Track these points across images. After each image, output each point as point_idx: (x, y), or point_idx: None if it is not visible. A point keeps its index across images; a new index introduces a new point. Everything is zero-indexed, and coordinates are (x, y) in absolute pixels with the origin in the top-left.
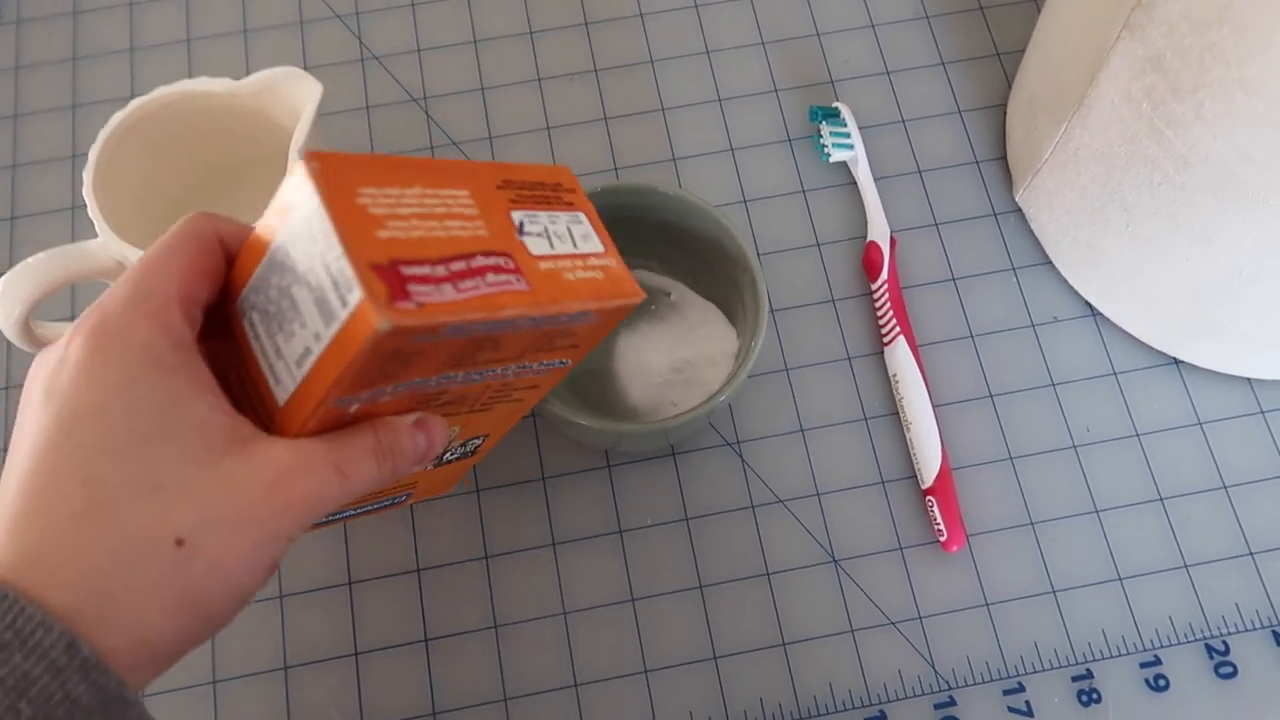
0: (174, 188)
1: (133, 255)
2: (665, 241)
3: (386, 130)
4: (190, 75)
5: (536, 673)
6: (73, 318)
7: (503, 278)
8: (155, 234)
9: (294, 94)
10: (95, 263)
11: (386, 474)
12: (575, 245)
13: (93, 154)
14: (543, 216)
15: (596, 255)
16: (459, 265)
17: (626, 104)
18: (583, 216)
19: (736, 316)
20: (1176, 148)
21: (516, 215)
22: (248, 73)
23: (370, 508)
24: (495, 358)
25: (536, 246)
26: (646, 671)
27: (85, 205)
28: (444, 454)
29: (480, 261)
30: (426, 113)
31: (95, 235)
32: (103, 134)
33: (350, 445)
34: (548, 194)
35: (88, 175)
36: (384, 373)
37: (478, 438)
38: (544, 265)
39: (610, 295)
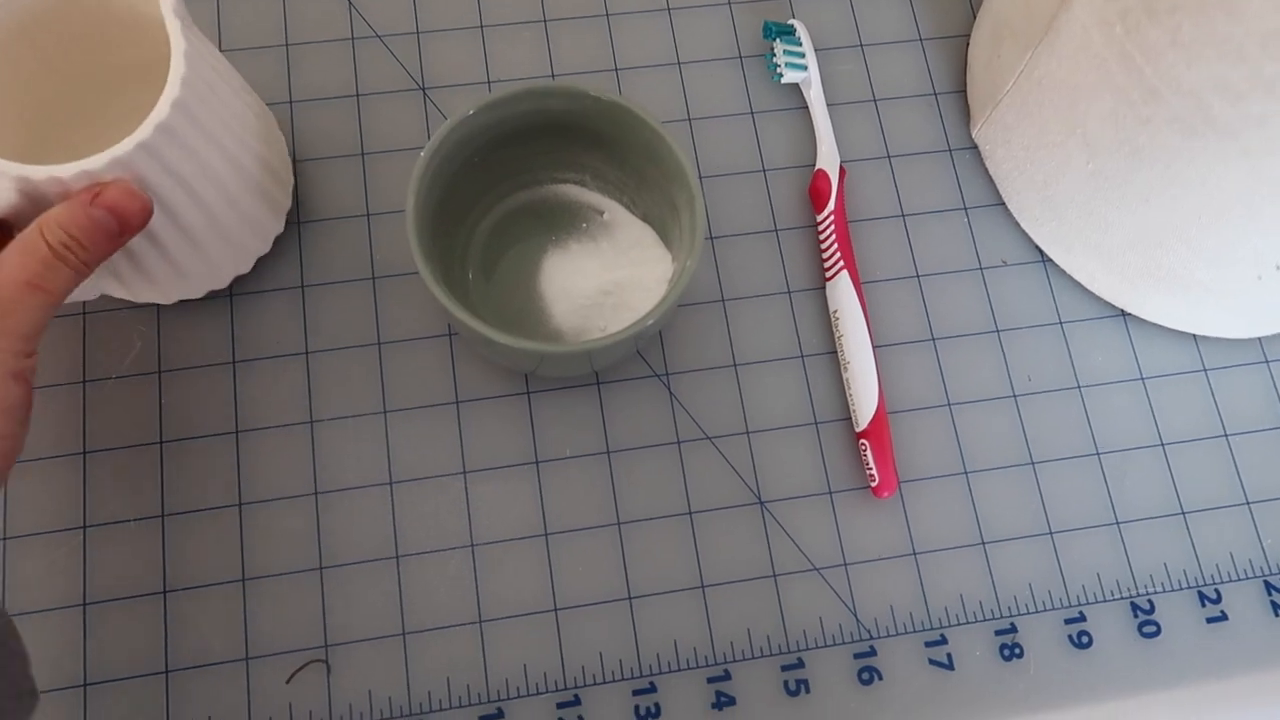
0: (53, 91)
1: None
2: (599, 155)
3: (302, 16)
4: None
5: (440, 607)
6: None
7: None
8: (29, 143)
9: None
10: None
11: (76, 263)
12: None
13: None
14: None
15: None
16: None
17: (568, 5)
18: None
19: (672, 239)
20: (1147, 76)
21: None
22: None
23: None
24: None
25: None
26: (556, 609)
27: None
28: None
29: None
30: (350, 2)
31: None
32: None
33: (30, 261)
34: None
35: None
36: None
37: None
38: None
39: None
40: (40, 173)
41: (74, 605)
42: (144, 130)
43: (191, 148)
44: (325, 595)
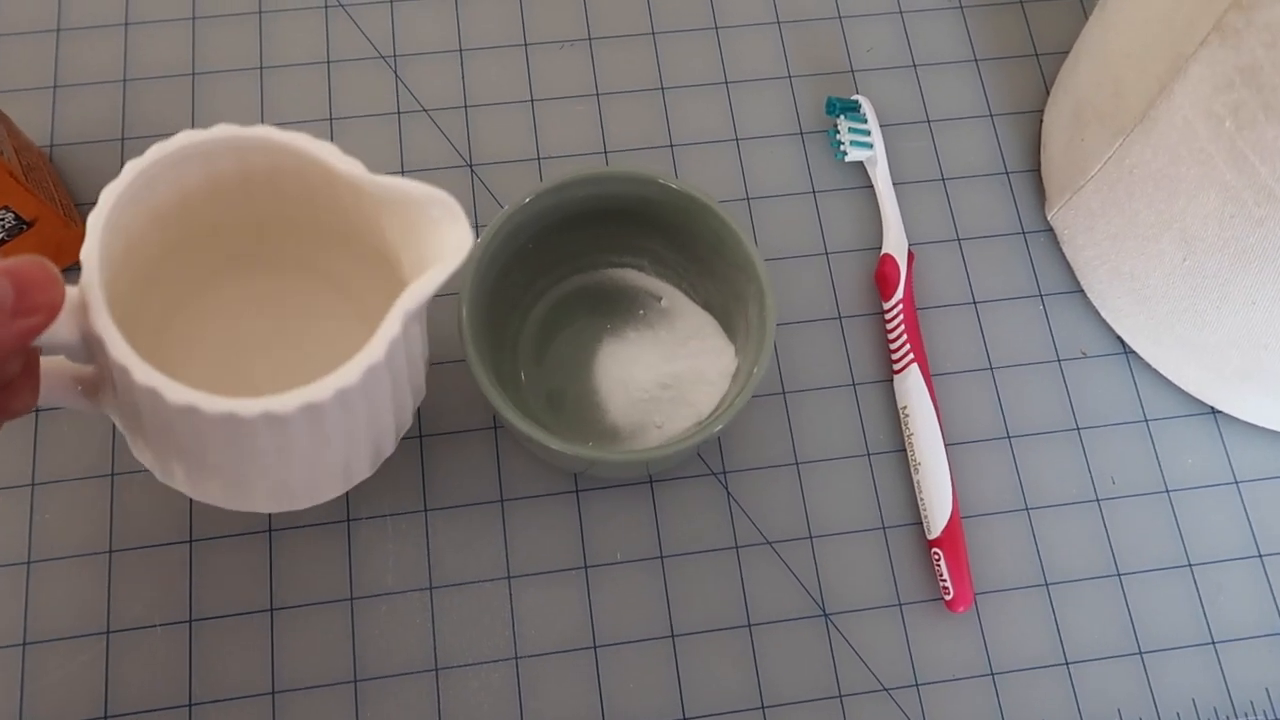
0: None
1: (166, 387)
2: (659, 239)
3: (348, 89)
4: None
5: None
6: None
7: None
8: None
9: (427, 227)
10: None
11: None
12: None
13: (102, 218)
14: None
15: None
16: None
17: (622, 80)
18: None
19: (736, 330)
20: (1262, 176)
21: None
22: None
23: None
24: None
25: None
26: None
27: None
28: None
29: None
30: (395, 73)
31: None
32: (122, 182)
33: None
34: None
35: (96, 244)
36: None
37: None
38: None
39: None
40: (215, 404)
41: (95, 719)
42: (351, 373)
43: (376, 390)
44: (359, 711)
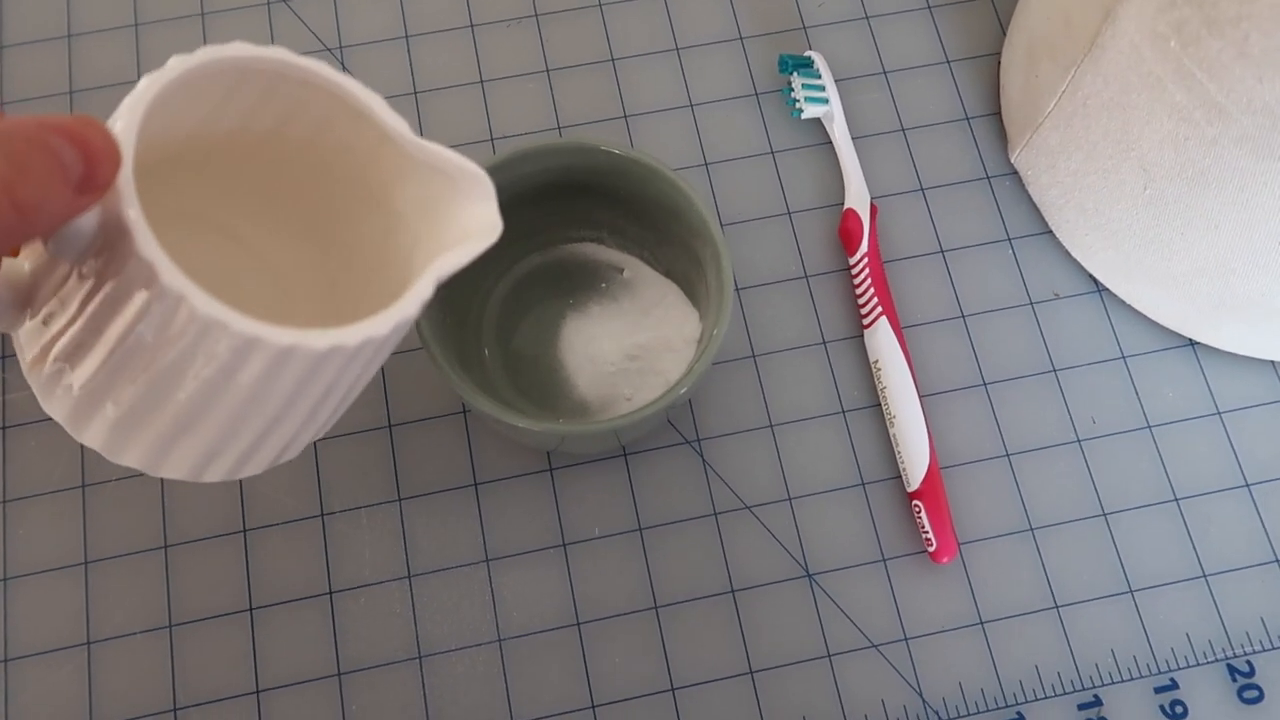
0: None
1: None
2: (616, 210)
3: None
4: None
5: (468, 712)
6: None
7: None
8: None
9: (455, 200)
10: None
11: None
12: None
13: (131, 120)
14: None
15: None
16: None
17: (572, 53)
18: None
19: (698, 295)
20: (1211, 93)
21: None
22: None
23: None
24: None
25: None
26: (594, 706)
27: None
28: None
29: None
30: (342, 64)
31: None
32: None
33: None
34: None
35: (135, 125)
36: None
37: None
38: None
39: None
40: (243, 325)
41: None
42: (381, 325)
43: (377, 356)
44: (345, 704)
